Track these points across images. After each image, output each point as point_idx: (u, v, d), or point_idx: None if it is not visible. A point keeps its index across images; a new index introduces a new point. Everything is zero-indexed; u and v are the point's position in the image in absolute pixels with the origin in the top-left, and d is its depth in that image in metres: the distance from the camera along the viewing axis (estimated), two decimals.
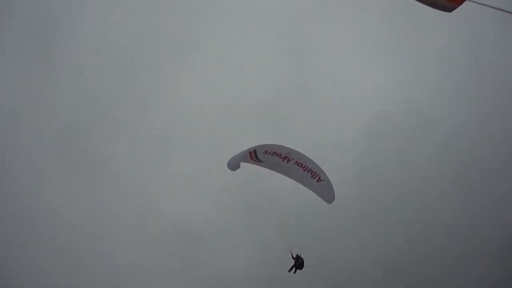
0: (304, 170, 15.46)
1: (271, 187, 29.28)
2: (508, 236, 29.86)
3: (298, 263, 15.74)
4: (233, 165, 14.08)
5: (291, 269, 15.92)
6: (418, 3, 9.92)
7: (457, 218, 30.54)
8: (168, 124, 33.95)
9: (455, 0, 10.85)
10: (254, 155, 14.92)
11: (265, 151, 14.99)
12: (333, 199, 15.33)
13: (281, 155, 15.31)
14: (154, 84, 34.18)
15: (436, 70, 34.23)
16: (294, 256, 15.79)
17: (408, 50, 34.06)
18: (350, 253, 29.57)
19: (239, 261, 29.30)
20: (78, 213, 31.91)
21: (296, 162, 15.35)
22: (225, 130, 33.36)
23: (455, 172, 31.43)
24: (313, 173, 15.47)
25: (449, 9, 10.27)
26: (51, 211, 32.09)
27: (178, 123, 34.15)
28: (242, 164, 14.42)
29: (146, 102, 35.00)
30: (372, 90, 33.69)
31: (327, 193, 15.35)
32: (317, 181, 15.44)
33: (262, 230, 28.35)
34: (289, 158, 15.35)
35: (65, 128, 33.80)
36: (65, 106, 33.45)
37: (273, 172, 15.98)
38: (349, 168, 31.46)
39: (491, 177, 31.09)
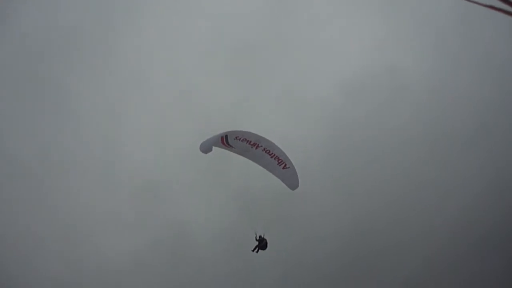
0: (271, 157, 17.46)
1: None
2: (485, 202, 32.55)
3: (262, 244, 18.05)
4: (206, 148, 15.83)
5: (254, 249, 18.27)
6: None
7: (434, 182, 32.93)
8: (140, 65, 34.25)
9: None
10: (225, 140, 16.69)
11: (236, 137, 16.81)
12: (297, 186, 17.55)
13: (250, 141, 17.18)
14: (129, 19, 33.88)
15: (420, 35, 35.46)
16: (258, 237, 18.04)
17: (395, 12, 35.04)
18: (319, 215, 31.64)
19: (198, 217, 31.44)
20: (29, 149, 32.57)
21: (264, 149, 17.30)
22: (200, 75, 34.26)
23: (432, 137, 33.54)
24: (279, 160, 17.51)
25: None
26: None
27: (151, 65, 34.47)
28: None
29: (118, 37, 34.63)
30: (353, 48, 35.01)
31: (291, 180, 17.53)
32: (283, 168, 17.52)
33: (224, 190, 30.31)
34: (258, 145, 17.27)
35: (29, 55, 33.17)
36: (32, 32, 32.77)
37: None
38: (322, 124, 33.59)
39: (468, 143, 33.35)
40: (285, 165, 17.76)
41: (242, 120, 32.89)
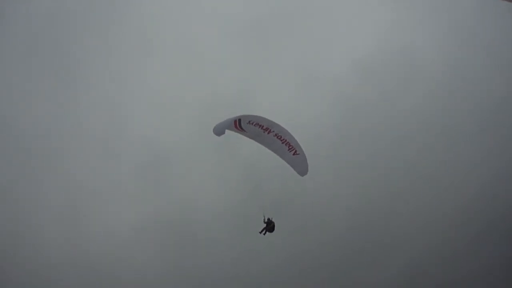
0: (282, 143, 18.24)
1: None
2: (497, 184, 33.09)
3: (269, 227, 19.02)
4: (219, 131, 16.61)
5: (262, 231, 19.25)
6: None
7: (448, 165, 33.51)
8: (148, 36, 34.22)
9: None
10: (238, 124, 17.44)
11: (249, 121, 17.55)
12: (306, 172, 18.40)
13: (263, 126, 17.93)
14: None
15: (435, 14, 35.54)
16: (266, 220, 19.01)
17: None
18: (326, 195, 32.30)
19: (204, 194, 32.06)
20: (31, 118, 32.94)
21: (275, 135, 18.06)
22: (210, 47, 34.39)
23: (446, 119, 34.00)
24: (290, 146, 18.31)
25: None
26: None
27: (159, 36, 34.42)
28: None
29: (127, 4, 34.48)
30: (368, 27, 34.95)
31: (301, 166, 18.37)
32: (293, 154, 18.34)
33: (234, 168, 31.02)
34: (270, 130, 18.02)
35: (34, 22, 33.11)
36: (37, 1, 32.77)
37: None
38: (333, 102, 33.99)
39: (484, 124, 33.69)
40: (296, 151, 18.54)
41: (252, 94, 33.48)
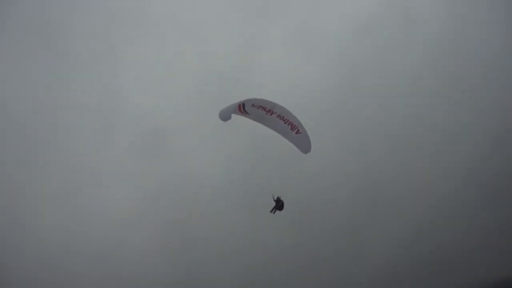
0: (285, 123, 19.41)
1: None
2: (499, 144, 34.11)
3: (279, 205, 20.41)
4: (225, 116, 17.73)
5: (272, 210, 20.63)
6: None
7: (444, 126, 34.48)
8: (147, 3, 34.37)
9: None
10: (242, 108, 18.52)
11: (253, 104, 18.61)
12: (309, 150, 19.67)
13: (266, 108, 19.02)
14: None
15: None
16: (275, 198, 20.36)
17: None
18: (327, 161, 33.22)
19: (206, 169, 32.87)
20: (24, 93, 33.21)
21: (278, 116, 19.22)
22: (206, 16, 34.65)
23: (445, 81, 34.62)
24: (293, 126, 19.50)
25: None
26: None
27: (157, 4, 34.60)
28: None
29: None
30: None
31: (304, 145, 19.64)
32: (296, 133, 19.55)
33: (237, 141, 31.76)
34: (273, 111, 19.14)
35: None
36: None
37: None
38: (333, 63, 34.51)
39: (482, 86, 34.45)
40: (298, 130, 19.71)
41: (252, 59, 33.95)
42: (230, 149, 32.99)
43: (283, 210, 20.87)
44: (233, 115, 18.54)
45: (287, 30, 34.76)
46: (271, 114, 19.34)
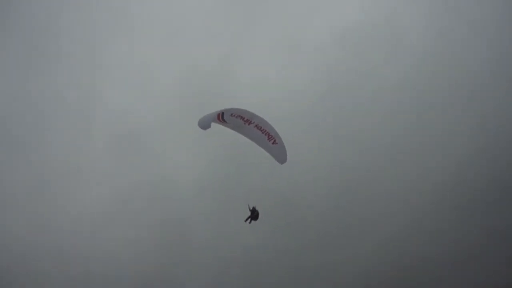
0: (262, 133, 20.11)
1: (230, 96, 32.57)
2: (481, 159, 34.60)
3: (254, 215, 20.90)
4: (204, 124, 18.27)
5: (246, 219, 21.13)
6: None
7: (428, 133, 34.87)
8: (128, 3, 34.50)
9: None
10: (221, 117, 19.10)
11: (232, 114, 19.22)
12: (285, 160, 20.34)
13: (244, 118, 19.67)
14: None
15: None
16: (251, 208, 20.87)
17: None
18: (308, 168, 33.63)
19: (181, 172, 33.11)
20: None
21: (256, 125, 19.89)
22: (188, 18, 34.90)
23: (429, 90, 35.19)
24: (270, 136, 20.19)
25: None
26: None
27: (138, 4, 34.81)
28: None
29: None
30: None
31: (280, 155, 20.34)
32: (272, 143, 20.25)
33: (214, 144, 31.94)
34: (251, 121, 19.80)
35: None
36: None
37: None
38: (317, 73, 35.00)
39: (471, 94, 34.93)
40: (275, 140, 20.43)
41: (233, 65, 34.24)
42: (207, 153, 33.37)
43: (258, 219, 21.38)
44: (212, 124, 19.05)
45: (271, 38, 35.26)
46: (249, 124, 20.00)
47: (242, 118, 19.80)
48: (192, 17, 34.73)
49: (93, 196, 32.98)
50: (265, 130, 20.27)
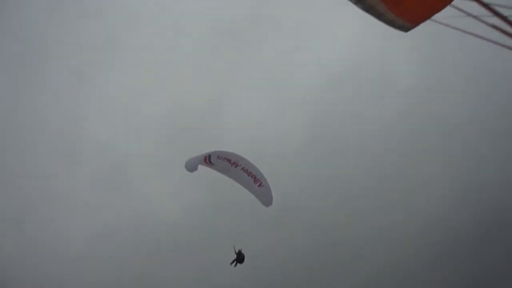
0: (248, 176, 20.69)
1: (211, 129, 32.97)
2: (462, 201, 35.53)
3: (240, 258, 21.30)
4: (191, 167, 18.89)
5: (232, 262, 21.54)
6: None
7: (412, 180, 35.76)
8: (119, 36, 34.91)
9: (411, 21, 14.27)
10: (208, 159, 19.78)
11: (218, 156, 19.91)
12: (271, 203, 20.96)
13: (231, 160, 20.32)
14: None
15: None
16: (237, 251, 21.30)
17: None
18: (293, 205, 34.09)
19: (162, 208, 33.39)
20: None
21: (242, 168, 20.50)
22: (179, 55, 35.64)
23: (414, 133, 36.27)
24: (256, 179, 20.79)
25: (406, 29, 13.76)
26: None
27: (130, 38, 35.38)
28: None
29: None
30: (342, 37, 37.08)
31: (266, 198, 20.89)
32: (258, 186, 20.82)
33: (197, 182, 32.23)
34: (237, 164, 20.43)
35: None
36: None
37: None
38: (304, 112, 36.02)
39: (452, 139, 36.09)
40: (261, 183, 21.00)
41: (221, 104, 35.07)
42: (191, 191, 33.54)
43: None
44: (199, 166, 19.73)
45: (260, 78, 36.28)
46: (235, 167, 20.59)
47: (228, 160, 20.40)
48: (183, 54, 35.62)
49: (72, 228, 32.98)
50: (251, 173, 20.83)
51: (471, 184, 35.53)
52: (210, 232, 31.37)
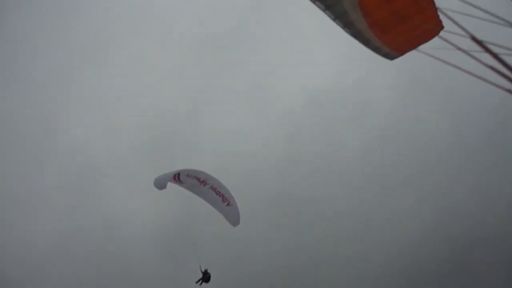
0: (217, 195, 20.21)
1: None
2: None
3: (206, 277, 20.77)
4: (160, 184, 18.11)
5: (198, 281, 20.97)
6: None
7: (387, 208, 35.42)
8: (101, 40, 34.43)
9: (397, 50, 14.06)
10: (177, 177, 18.97)
11: (188, 175, 19.15)
12: (238, 223, 20.32)
13: (200, 178, 19.74)
14: None
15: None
16: (203, 270, 20.73)
17: None
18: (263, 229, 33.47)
19: (132, 212, 32.89)
20: None
21: (211, 187, 19.98)
22: (160, 64, 35.14)
23: (393, 156, 36.14)
24: (224, 198, 20.28)
25: (391, 57, 13.51)
26: None
27: (112, 42, 34.89)
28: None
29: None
30: (324, 58, 37.02)
31: (233, 217, 20.32)
32: (227, 205, 20.33)
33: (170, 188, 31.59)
34: (206, 182, 19.82)
35: None
36: None
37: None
38: (280, 130, 35.69)
39: (430, 166, 35.85)
40: (229, 202, 20.50)
41: (199, 115, 34.91)
42: (162, 197, 32.90)
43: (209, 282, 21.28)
44: (168, 184, 18.91)
45: (238, 91, 36.20)
46: (204, 185, 20.11)
47: (198, 179, 19.91)
48: (167, 60, 35.40)
49: (40, 233, 32.16)
50: (220, 192, 20.39)
51: (448, 205, 35.48)
52: (182, 239, 30.88)
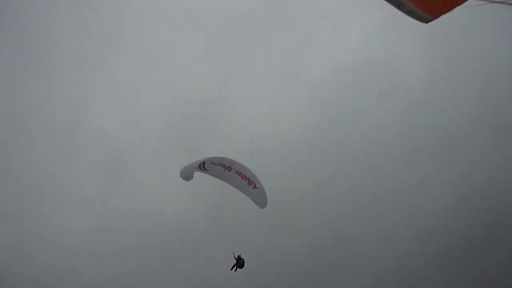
0: (242, 179, 21.27)
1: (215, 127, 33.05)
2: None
3: (239, 263, 21.99)
4: (187, 176, 19.36)
5: (232, 267, 22.24)
6: None
7: (417, 180, 35.65)
8: (125, 26, 34.63)
9: (431, 12, 14.50)
10: (202, 166, 20.26)
11: (212, 162, 20.39)
12: (265, 205, 21.50)
13: (224, 165, 20.87)
14: None
15: (422, 28, 37.10)
16: (236, 256, 21.99)
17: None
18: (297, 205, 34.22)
19: (165, 200, 33.53)
20: None
21: (236, 172, 21.07)
22: (186, 47, 35.24)
23: (423, 134, 36.18)
24: (250, 181, 21.35)
25: (425, 20, 13.96)
26: None
27: (136, 28, 35.07)
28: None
29: None
30: (353, 34, 36.74)
31: (260, 199, 21.46)
32: (252, 188, 21.37)
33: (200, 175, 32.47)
34: (231, 168, 20.97)
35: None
36: None
37: None
38: (311, 107, 35.74)
39: (461, 141, 36.05)
40: (255, 185, 21.57)
41: (228, 97, 34.78)
42: (194, 185, 33.83)
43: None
44: (194, 173, 20.17)
45: (267, 71, 35.84)
46: (229, 171, 21.15)
47: (222, 165, 20.94)
48: (190, 45, 35.22)
49: (72, 224, 33.03)
50: (245, 176, 21.39)
51: (473, 184, 35.47)
52: (214, 227, 31.84)
